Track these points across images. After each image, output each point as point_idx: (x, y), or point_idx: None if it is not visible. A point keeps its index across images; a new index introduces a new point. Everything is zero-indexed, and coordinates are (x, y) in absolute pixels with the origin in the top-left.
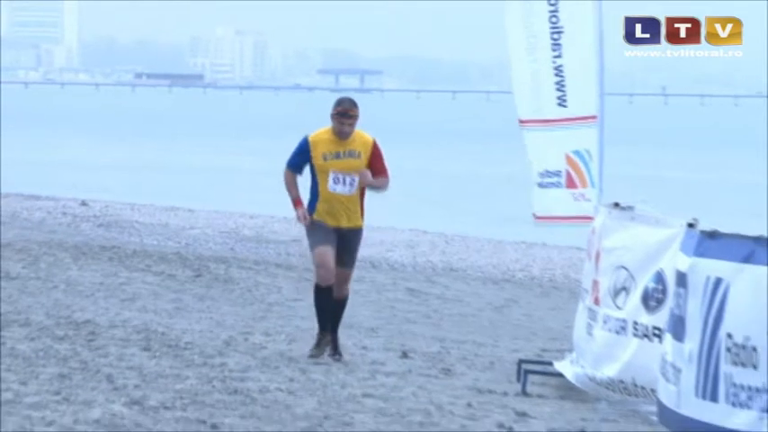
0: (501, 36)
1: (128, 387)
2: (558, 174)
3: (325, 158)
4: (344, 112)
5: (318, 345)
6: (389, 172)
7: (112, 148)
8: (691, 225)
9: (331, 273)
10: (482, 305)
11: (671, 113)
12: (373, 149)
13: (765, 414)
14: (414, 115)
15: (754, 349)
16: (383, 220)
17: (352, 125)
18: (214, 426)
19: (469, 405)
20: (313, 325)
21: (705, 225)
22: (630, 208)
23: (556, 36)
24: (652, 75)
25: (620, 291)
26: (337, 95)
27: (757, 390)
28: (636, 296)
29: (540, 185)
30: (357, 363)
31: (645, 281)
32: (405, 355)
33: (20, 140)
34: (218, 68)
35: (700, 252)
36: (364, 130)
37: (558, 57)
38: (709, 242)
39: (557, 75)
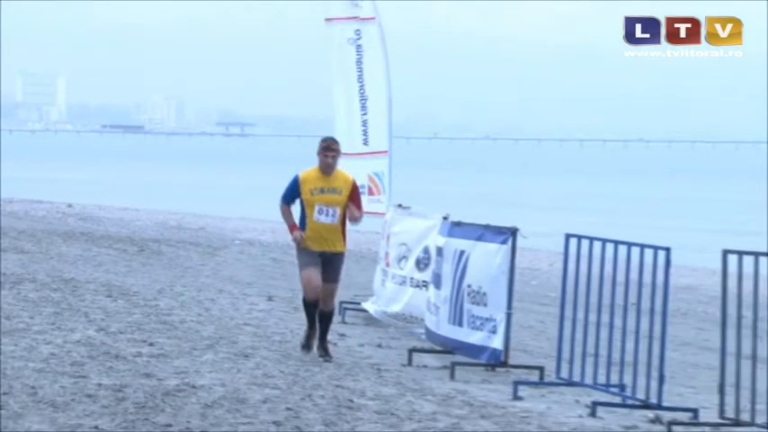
0: (330, 100)
1: (97, 320)
2: (363, 186)
3: (312, 193)
4: (328, 147)
5: (308, 338)
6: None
7: (88, 171)
8: (445, 218)
9: (315, 291)
10: None
11: (438, 149)
12: (353, 187)
13: (491, 334)
14: (276, 152)
15: (484, 294)
16: (256, 213)
17: (334, 157)
18: (151, 344)
19: None
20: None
21: (454, 218)
22: (408, 207)
23: (363, 101)
24: (430, 123)
25: (402, 258)
26: (228, 139)
27: (486, 319)
28: (411, 261)
29: None
30: (240, 303)
31: (417, 252)
32: (270, 298)
33: (29, 166)
34: (153, 121)
35: (450, 234)
36: (345, 170)
37: (365, 114)
38: (456, 228)
39: (363, 125)
